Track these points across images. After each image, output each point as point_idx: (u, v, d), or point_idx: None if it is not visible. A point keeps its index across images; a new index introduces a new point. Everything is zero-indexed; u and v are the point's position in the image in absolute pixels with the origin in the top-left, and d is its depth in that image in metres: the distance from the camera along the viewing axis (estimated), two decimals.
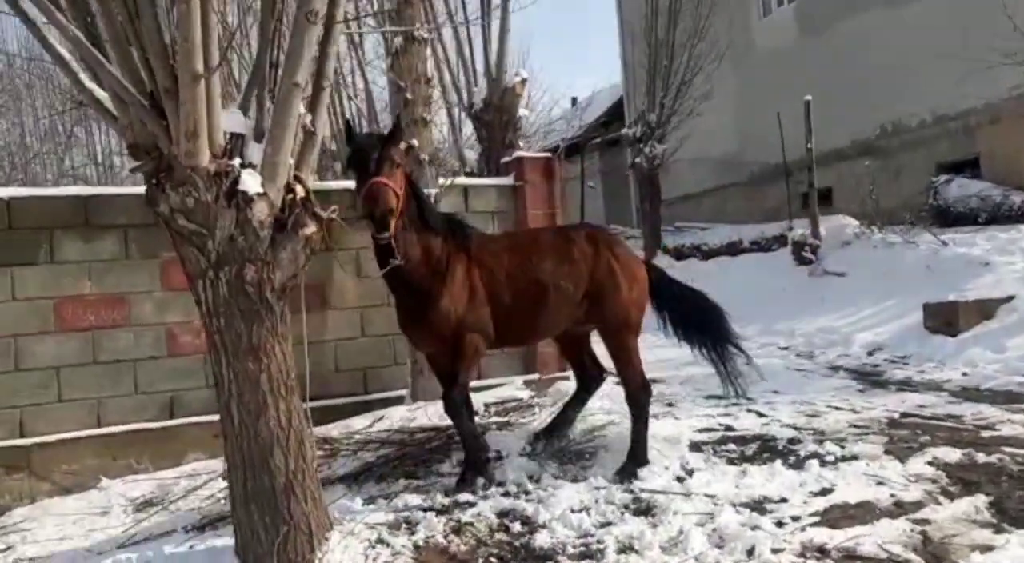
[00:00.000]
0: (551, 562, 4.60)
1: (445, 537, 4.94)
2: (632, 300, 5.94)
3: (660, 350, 11.74)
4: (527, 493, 5.49)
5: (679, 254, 17.21)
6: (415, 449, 6.19)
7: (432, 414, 6.85)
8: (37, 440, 6.42)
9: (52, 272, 6.55)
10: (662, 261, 17.74)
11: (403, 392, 7.23)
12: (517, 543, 4.83)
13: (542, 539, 4.79)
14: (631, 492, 5.36)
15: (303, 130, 4.71)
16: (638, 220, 20.68)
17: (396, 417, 6.96)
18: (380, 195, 5.01)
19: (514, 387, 7.56)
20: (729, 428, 6.90)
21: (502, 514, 5.21)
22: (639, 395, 5.92)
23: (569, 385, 7.92)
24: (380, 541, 4.91)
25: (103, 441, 6.57)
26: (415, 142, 7.09)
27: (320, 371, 7.30)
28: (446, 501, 5.42)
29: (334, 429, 6.86)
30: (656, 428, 6.53)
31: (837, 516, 4.96)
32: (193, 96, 4.05)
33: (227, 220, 4.34)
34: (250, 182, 4.36)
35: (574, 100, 32.17)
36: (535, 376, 7.99)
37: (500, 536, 4.95)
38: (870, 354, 10.30)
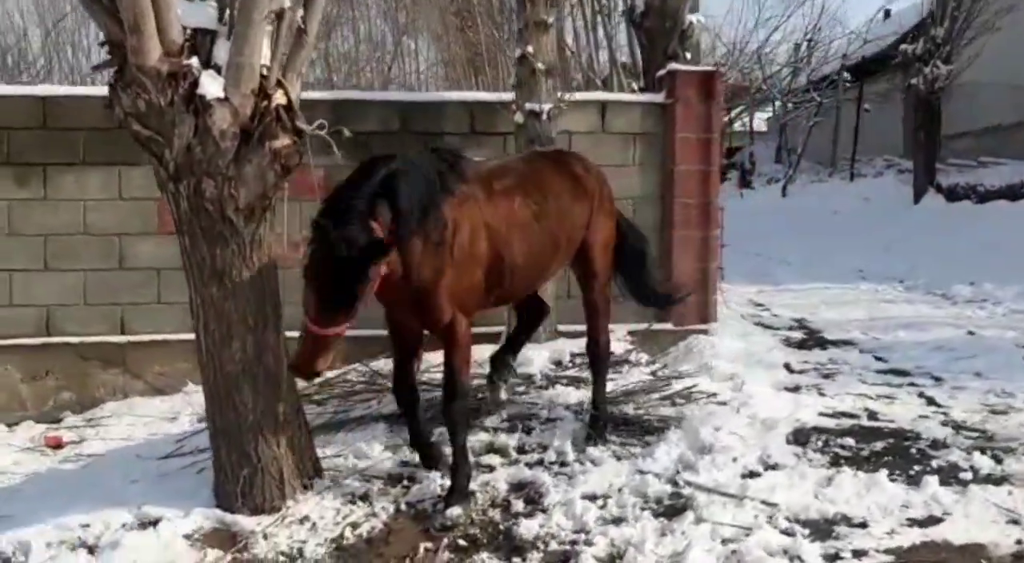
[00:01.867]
0: (521, 558, 3.86)
1: (435, 505, 4.33)
2: (613, 236, 5.10)
3: (889, 306, 10.27)
4: (563, 465, 4.72)
5: (951, 194, 14.82)
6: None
7: None
8: (134, 338, 6.55)
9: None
10: (930, 202, 15.41)
11: (501, 329, 6.58)
12: (503, 526, 4.13)
13: (530, 527, 4.05)
14: (674, 484, 4.40)
15: (295, 29, 4.11)
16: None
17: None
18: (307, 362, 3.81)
19: (614, 337, 6.59)
20: (872, 415, 5.59)
21: (516, 487, 4.51)
22: (607, 352, 5.22)
23: (705, 341, 6.86)
24: (363, 497, 4.41)
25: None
26: (530, 49, 6.22)
27: None
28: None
29: None
30: (763, 404, 5.42)
31: (923, 559, 3.75)
32: None
33: (186, 128, 3.88)
34: (210, 86, 3.86)
35: (887, 12, 28.77)
36: (665, 325, 6.97)
37: (493, 514, 4.26)
38: None
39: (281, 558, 3.98)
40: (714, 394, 5.47)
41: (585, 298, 5.08)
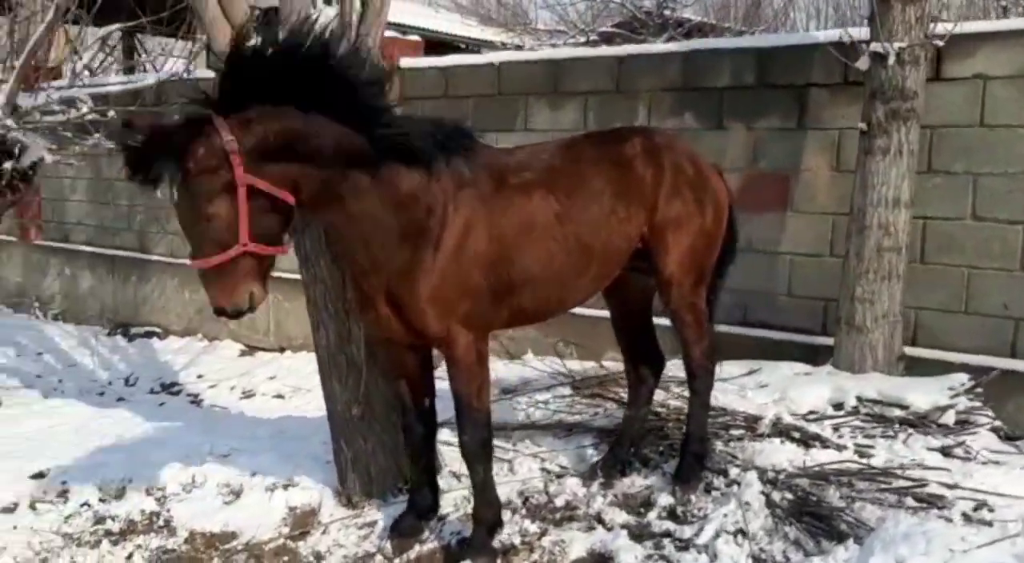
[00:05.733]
0: None
1: None
2: (708, 231, 3.83)
3: None
4: (683, 547, 3.54)
5: None
6: (672, 424, 4.41)
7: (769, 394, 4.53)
8: None
9: (525, 141, 6.46)
10: None
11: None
12: None
13: None
14: None
15: None
16: None
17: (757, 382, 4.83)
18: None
19: (946, 384, 4.28)
20: None
21: (587, 558, 3.55)
22: (707, 375, 3.98)
23: None
24: (440, 519, 3.95)
25: None
26: None
27: (767, 291, 5.55)
28: (606, 504, 3.91)
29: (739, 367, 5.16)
30: None
31: None
32: None
33: None
34: None
35: None
36: None
37: None
38: None
39: (308, 559, 3.84)
40: (983, 503, 3.38)
41: (665, 310, 3.89)
